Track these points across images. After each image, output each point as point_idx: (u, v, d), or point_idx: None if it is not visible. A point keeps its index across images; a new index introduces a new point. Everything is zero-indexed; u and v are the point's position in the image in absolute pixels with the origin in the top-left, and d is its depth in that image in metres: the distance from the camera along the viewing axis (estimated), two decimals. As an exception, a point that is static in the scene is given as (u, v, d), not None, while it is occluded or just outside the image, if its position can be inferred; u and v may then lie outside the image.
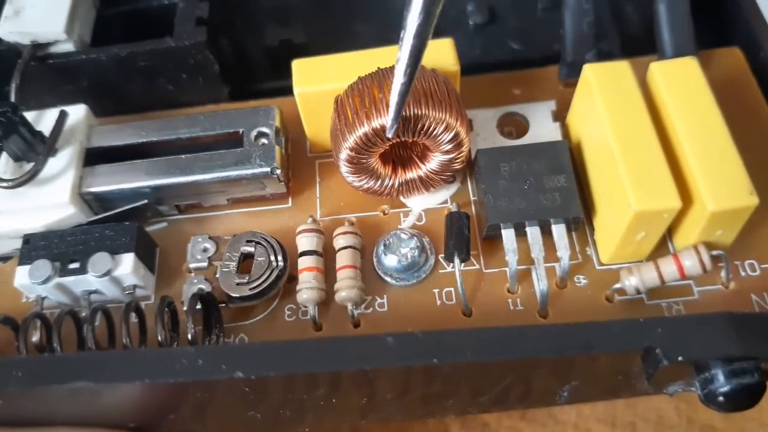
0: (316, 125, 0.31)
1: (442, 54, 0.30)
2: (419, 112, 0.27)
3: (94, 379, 0.23)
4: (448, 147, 0.28)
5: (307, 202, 0.32)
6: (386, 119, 0.27)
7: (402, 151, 0.30)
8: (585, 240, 0.30)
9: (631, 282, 0.28)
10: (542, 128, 0.31)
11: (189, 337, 0.27)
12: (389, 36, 0.33)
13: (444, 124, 0.27)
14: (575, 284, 0.29)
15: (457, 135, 0.28)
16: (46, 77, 0.33)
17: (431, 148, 0.29)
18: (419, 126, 0.27)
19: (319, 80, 0.30)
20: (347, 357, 0.23)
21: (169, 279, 0.30)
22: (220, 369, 0.23)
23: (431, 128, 0.27)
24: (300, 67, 0.30)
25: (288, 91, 0.31)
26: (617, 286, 0.28)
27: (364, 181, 0.29)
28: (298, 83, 0.30)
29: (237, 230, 0.31)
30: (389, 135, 0.27)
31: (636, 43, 0.35)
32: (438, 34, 0.32)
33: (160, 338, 0.26)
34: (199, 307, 0.28)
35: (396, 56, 0.29)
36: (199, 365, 0.23)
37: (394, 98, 0.26)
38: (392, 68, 0.28)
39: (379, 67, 0.28)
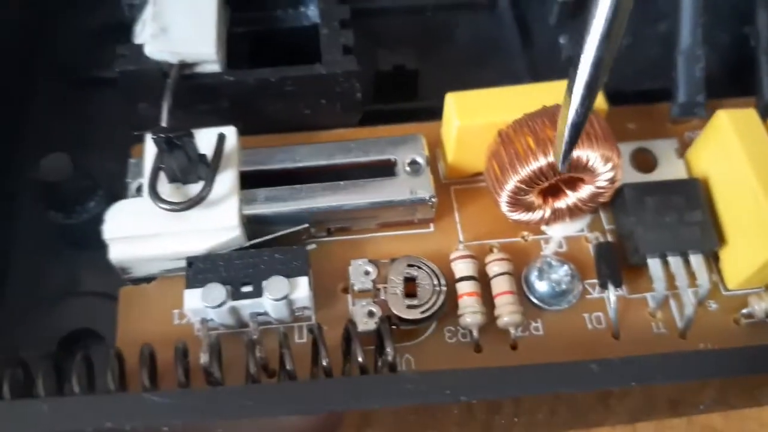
0: (463, 155, 0.33)
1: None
2: (585, 150, 0.29)
3: (311, 410, 0.25)
4: (605, 183, 0.30)
5: (449, 228, 0.33)
6: (557, 155, 0.29)
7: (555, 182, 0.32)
8: (710, 267, 0.32)
9: (761, 307, 0.31)
10: (669, 164, 0.34)
11: (359, 359, 0.28)
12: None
13: (606, 159, 0.29)
14: (707, 308, 0.32)
15: (615, 170, 0.30)
16: (184, 97, 0.33)
17: (586, 181, 0.31)
18: (584, 162, 0.29)
19: (479, 114, 0.31)
20: (558, 382, 0.25)
21: (323, 300, 0.31)
22: (445, 394, 0.25)
23: (595, 164, 0.29)
24: (457, 100, 0.31)
25: (400, 115, 0.35)
26: (746, 310, 0.31)
27: (521, 214, 0.31)
28: (460, 116, 0.31)
29: (383, 253, 0.32)
30: (562, 170, 0.28)
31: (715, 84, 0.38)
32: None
33: (360, 360, 0.27)
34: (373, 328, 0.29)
35: (553, 91, 0.31)
36: (423, 389, 0.25)
37: (567, 132, 0.26)
38: (559, 106, 0.30)
39: (544, 105, 0.30)
